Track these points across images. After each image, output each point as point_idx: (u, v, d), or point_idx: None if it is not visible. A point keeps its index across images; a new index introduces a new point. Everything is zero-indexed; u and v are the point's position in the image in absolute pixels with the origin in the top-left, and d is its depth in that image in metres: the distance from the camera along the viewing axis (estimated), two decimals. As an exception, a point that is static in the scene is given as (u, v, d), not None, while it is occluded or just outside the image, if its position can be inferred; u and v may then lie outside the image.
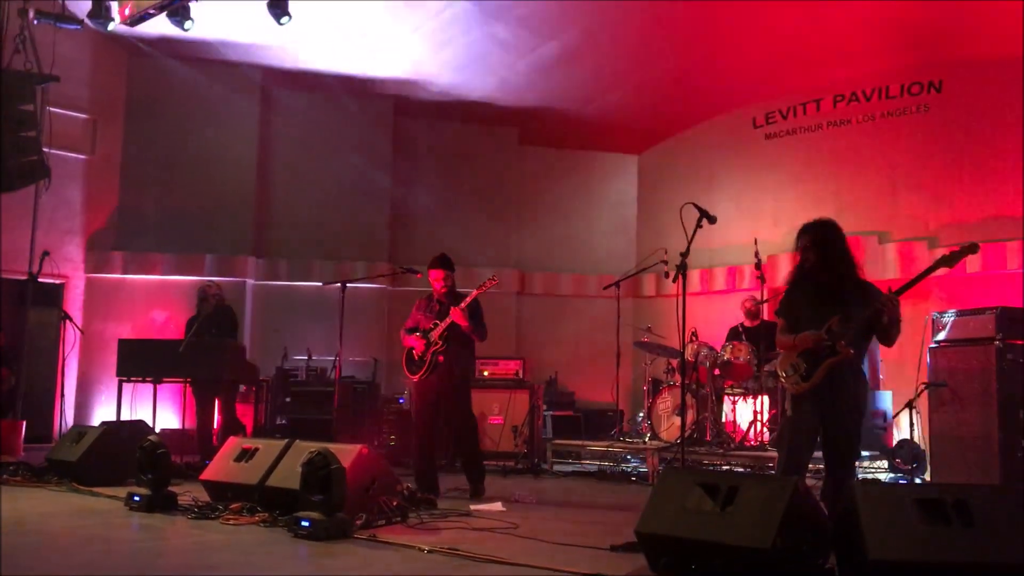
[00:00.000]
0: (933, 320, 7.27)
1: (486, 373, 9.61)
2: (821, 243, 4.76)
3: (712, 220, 5.84)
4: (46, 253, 9.40)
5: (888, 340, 4.75)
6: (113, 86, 11.66)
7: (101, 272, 11.46)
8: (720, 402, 8.76)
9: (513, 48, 11.08)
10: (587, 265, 13.26)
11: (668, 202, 12.69)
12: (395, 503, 5.35)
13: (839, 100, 11.43)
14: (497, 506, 6.18)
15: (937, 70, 10.64)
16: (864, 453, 7.60)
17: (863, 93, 11.22)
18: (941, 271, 4.69)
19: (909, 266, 10.21)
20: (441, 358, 6.74)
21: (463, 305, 6.70)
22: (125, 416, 8.36)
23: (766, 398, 8.42)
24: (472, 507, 6.08)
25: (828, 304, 4.72)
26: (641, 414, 9.61)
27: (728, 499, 3.83)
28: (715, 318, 10.50)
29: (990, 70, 10.14)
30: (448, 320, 6.73)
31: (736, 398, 8.71)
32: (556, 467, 8.99)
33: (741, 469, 7.78)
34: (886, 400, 8.91)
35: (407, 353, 6.92)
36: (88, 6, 9.48)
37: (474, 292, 6.80)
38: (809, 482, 4.29)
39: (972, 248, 4.64)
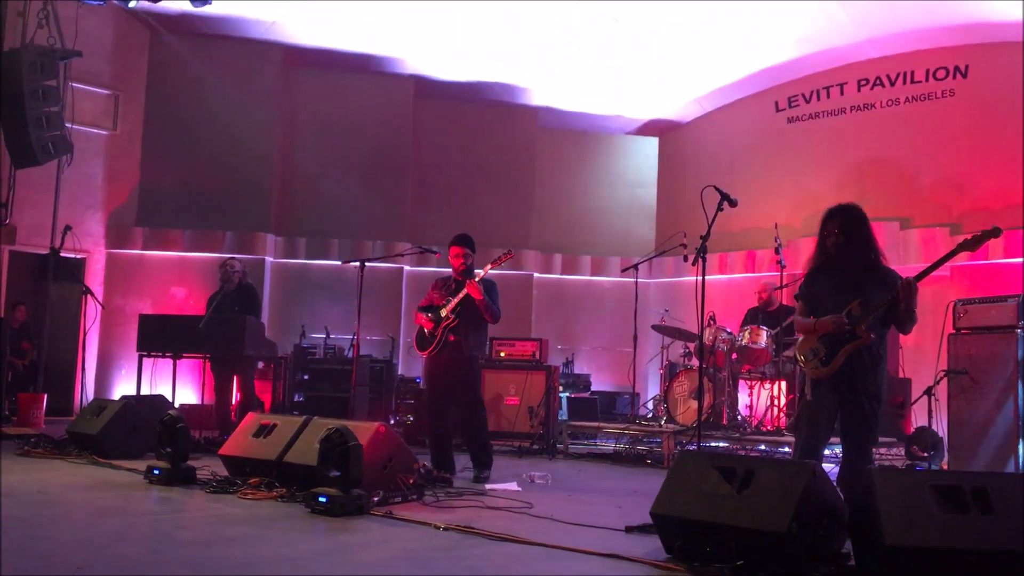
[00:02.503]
0: (954, 307, 7.22)
1: (503, 354, 9.60)
2: (848, 227, 4.73)
3: (733, 203, 5.80)
4: (68, 228, 9.46)
5: (904, 328, 4.73)
6: (135, 62, 11.71)
7: (122, 248, 11.55)
8: (737, 386, 8.73)
9: (534, 28, 11.04)
10: (606, 247, 13.24)
11: (688, 185, 12.65)
12: (411, 481, 5.38)
13: (863, 84, 11.32)
14: (512, 486, 6.20)
15: (963, 55, 10.51)
16: (881, 439, 7.57)
17: (887, 77, 11.11)
18: (963, 256, 4.66)
19: (931, 252, 10.11)
20: (452, 337, 6.59)
21: (478, 278, 6.59)
22: (145, 391, 8.44)
23: (783, 383, 8.40)
24: (487, 487, 6.12)
25: (849, 289, 4.69)
26: (657, 396, 9.61)
27: (744, 483, 3.83)
28: (734, 302, 10.47)
29: (1016, 55, 10.00)
30: (462, 294, 6.56)
31: (753, 383, 8.69)
32: (571, 448, 9.01)
33: (757, 454, 7.77)
34: (905, 387, 8.87)
35: (419, 330, 6.81)
36: (111, -19, 9.51)
37: (488, 265, 6.69)
38: (826, 467, 4.28)
39: (994, 232, 4.60)
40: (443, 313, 6.63)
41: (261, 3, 10.64)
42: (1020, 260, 9.57)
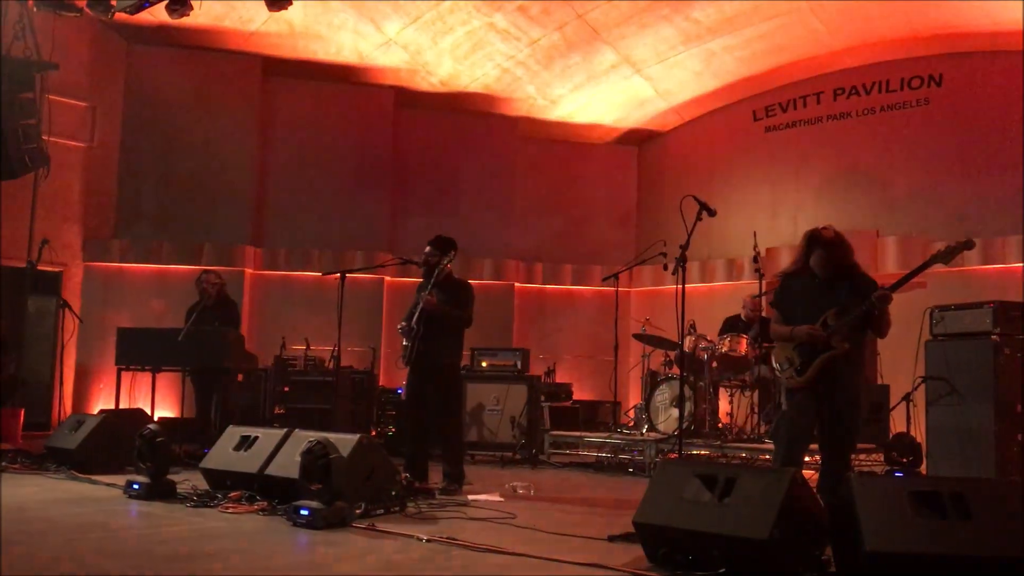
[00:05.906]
0: (931, 314, 7.29)
1: (484, 364, 9.61)
2: (835, 256, 4.78)
3: (712, 213, 5.86)
4: (45, 241, 9.39)
5: (880, 332, 4.79)
6: (112, 74, 11.63)
7: (99, 260, 11.44)
8: (717, 394, 8.77)
9: (513, 38, 11.08)
10: (586, 257, 13.27)
11: (668, 194, 12.72)
12: (393, 493, 5.37)
13: (839, 93, 11.43)
14: (495, 496, 6.20)
15: (937, 64, 10.65)
16: (860, 445, 7.62)
17: (863, 87, 11.23)
18: (936, 266, 4.72)
19: (907, 260, 10.21)
20: (421, 347, 6.60)
21: (432, 281, 6.64)
22: (124, 404, 8.38)
23: (763, 391, 8.45)
24: (470, 497, 6.11)
25: (823, 296, 4.75)
26: (638, 405, 9.63)
27: (726, 490, 3.85)
28: (714, 310, 10.52)
29: (990, 64, 10.14)
30: (420, 308, 6.61)
31: (734, 390, 8.73)
32: (554, 458, 9.02)
33: (738, 461, 7.80)
34: (883, 393, 8.93)
35: None
36: (88, -7, 9.44)
37: (436, 272, 6.69)
38: (806, 474, 4.31)
39: (968, 244, 4.66)
40: (412, 324, 6.65)
41: (239, 14, 10.60)
42: (997, 267, 9.69)
